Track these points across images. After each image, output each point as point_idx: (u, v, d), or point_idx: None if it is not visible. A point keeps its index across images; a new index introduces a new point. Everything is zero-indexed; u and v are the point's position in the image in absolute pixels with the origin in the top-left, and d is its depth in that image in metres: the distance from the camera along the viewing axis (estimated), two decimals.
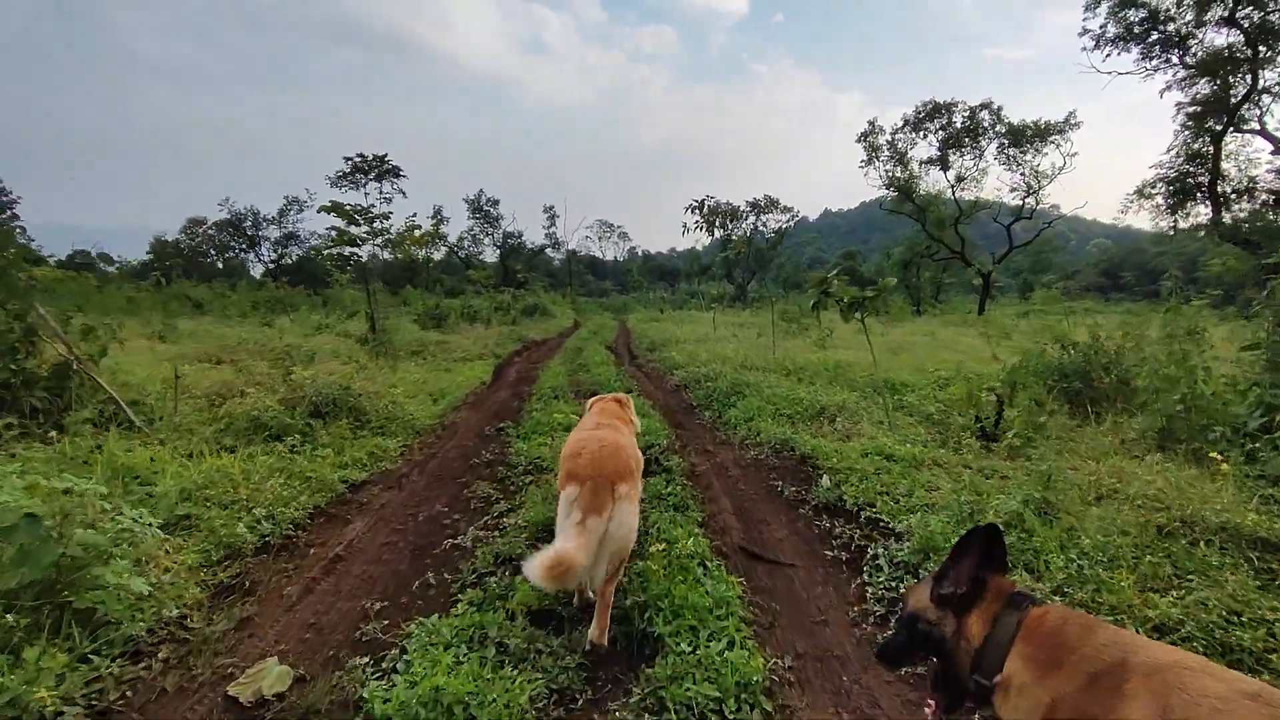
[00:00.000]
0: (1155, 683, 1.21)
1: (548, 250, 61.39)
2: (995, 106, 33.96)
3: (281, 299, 27.79)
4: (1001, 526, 2.37)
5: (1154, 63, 18.58)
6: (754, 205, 62.46)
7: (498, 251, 58.92)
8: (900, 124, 35.91)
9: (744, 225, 62.52)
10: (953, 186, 36.36)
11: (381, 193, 51.77)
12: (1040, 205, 35.09)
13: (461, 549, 3.85)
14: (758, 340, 15.98)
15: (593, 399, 4.10)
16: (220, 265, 56.17)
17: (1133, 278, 48.42)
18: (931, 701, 1.74)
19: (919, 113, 35.16)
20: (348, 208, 9.92)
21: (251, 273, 52.84)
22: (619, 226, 79.84)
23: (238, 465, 4.55)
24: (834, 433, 6.47)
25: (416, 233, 10.54)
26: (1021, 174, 35.29)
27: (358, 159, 49.81)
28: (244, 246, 55.65)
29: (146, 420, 5.25)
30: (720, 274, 66.63)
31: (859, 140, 37.52)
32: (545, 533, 4.01)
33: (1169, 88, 18.99)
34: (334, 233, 10.10)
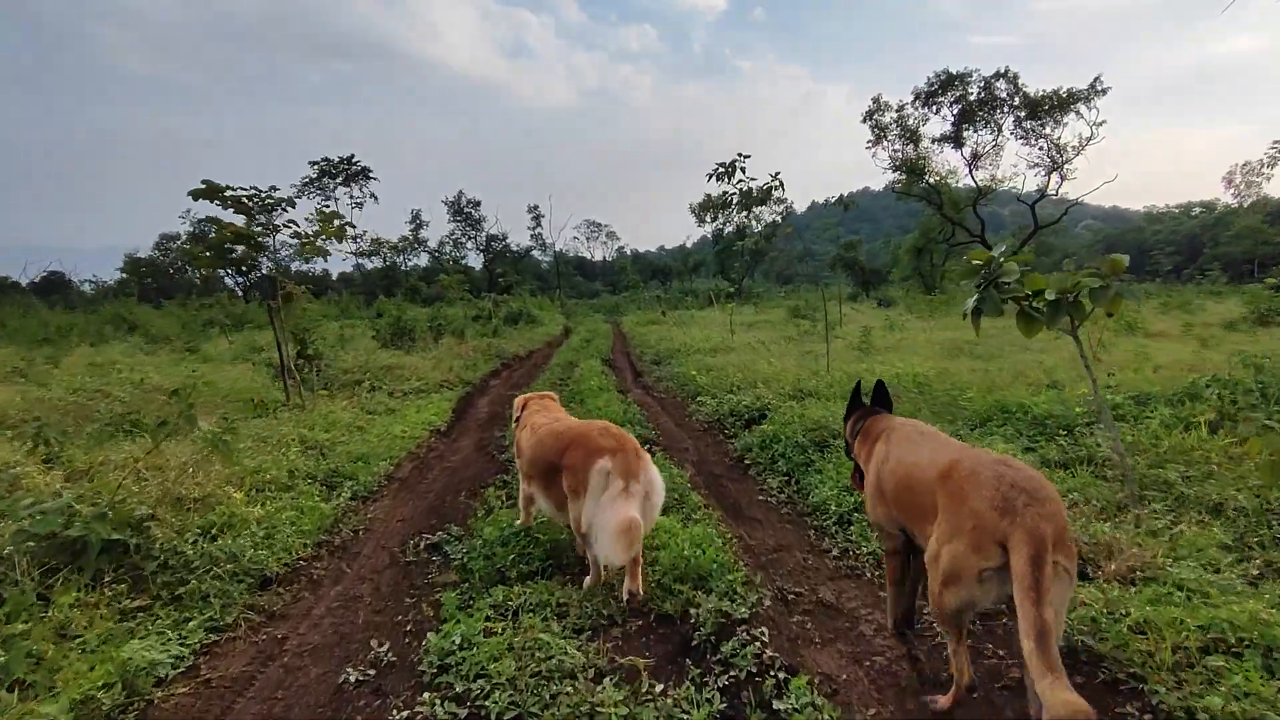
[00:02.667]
0: (886, 433, 2.60)
1: (534, 252, 58.30)
2: (1011, 74, 31.10)
3: (236, 316, 24.57)
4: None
5: None
6: (744, 196, 59.56)
7: (482, 255, 55.72)
8: (910, 98, 33.00)
9: (739, 216, 59.88)
10: (969, 164, 33.47)
11: (351, 197, 48.95)
12: (1066, 180, 32.22)
13: None
14: (789, 347, 13.00)
15: (523, 398, 4.05)
16: (198, 280, 51.82)
17: (1163, 257, 45.77)
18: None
19: (931, 85, 32.26)
20: (231, 191, 6.87)
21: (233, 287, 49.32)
22: (607, 226, 76.55)
23: None
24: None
25: (335, 224, 7.42)
26: (1040, 148, 32.54)
27: (323, 163, 46.98)
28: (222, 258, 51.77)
29: None
30: (714, 270, 63.72)
31: (865, 119, 34.60)
32: None
33: None
34: (214, 229, 7.05)
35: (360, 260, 51.28)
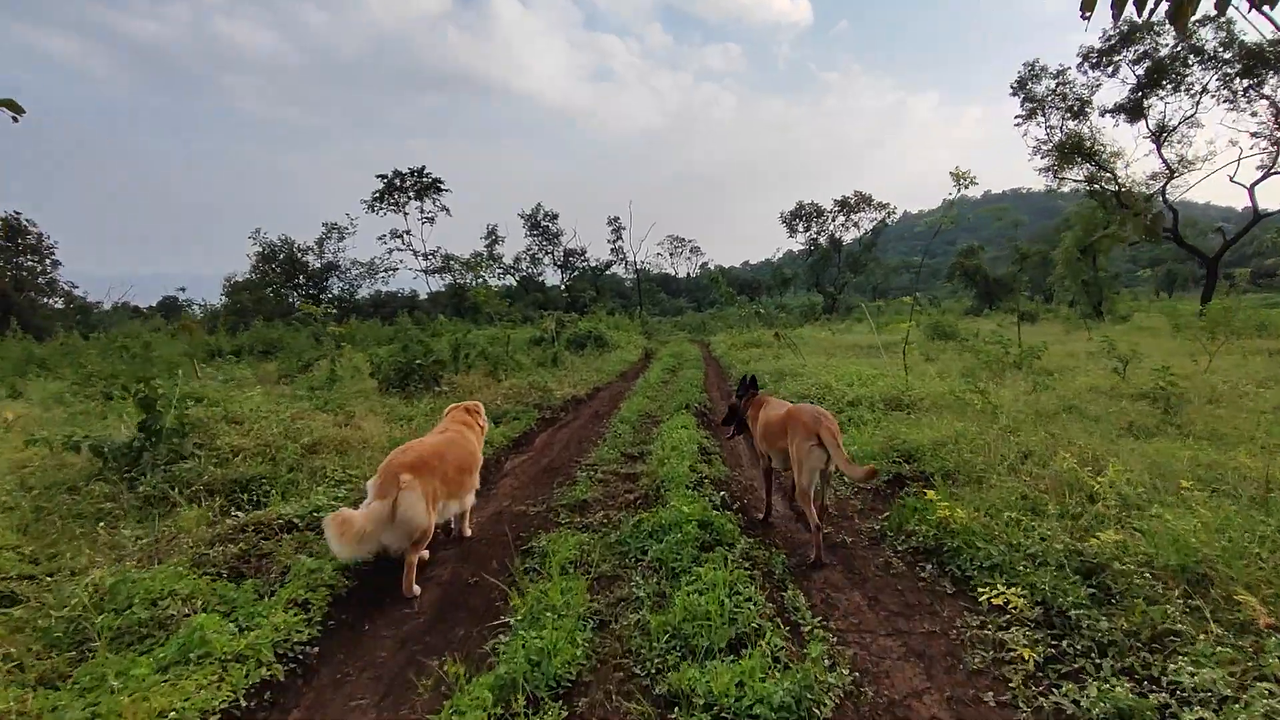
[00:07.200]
0: (761, 403, 4.73)
1: (615, 268, 53.68)
2: (1224, 21, 23.63)
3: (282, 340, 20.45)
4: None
5: None
6: (842, 204, 52.82)
7: (560, 271, 51.76)
8: (1078, 60, 26.02)
9: (832, 225, 53.41)
10: (1156, 139, 26.03)
11: (422, 211, 46.02)
12: None
13: None
14: (1029, 398, 7.27)
15: (451, 407, 4.79)
16: (294, 301, 49.04)
17: None
18: (727, 429, 5.10)
19: (1108, 40, 25.18)
20: None
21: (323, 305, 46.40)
22: (691, 240, 70.83)
23: None
24: None
25: None
26: (1254, 114, 24.76)
27: (393, 176, 44.23)
28: (288, 280, 48.64)
29: None
30: (807, 283, 57.02)
31: (1014, 92, 27.83)
32: None
33: None
34: None
35: (436, 277, 48.34)
